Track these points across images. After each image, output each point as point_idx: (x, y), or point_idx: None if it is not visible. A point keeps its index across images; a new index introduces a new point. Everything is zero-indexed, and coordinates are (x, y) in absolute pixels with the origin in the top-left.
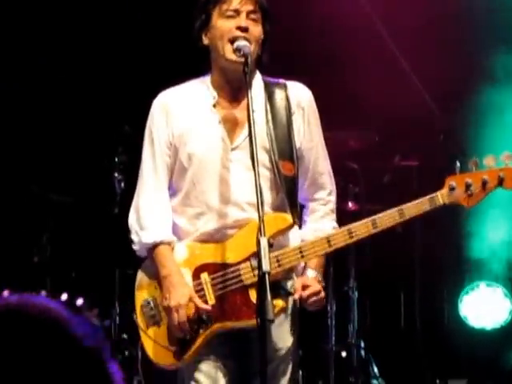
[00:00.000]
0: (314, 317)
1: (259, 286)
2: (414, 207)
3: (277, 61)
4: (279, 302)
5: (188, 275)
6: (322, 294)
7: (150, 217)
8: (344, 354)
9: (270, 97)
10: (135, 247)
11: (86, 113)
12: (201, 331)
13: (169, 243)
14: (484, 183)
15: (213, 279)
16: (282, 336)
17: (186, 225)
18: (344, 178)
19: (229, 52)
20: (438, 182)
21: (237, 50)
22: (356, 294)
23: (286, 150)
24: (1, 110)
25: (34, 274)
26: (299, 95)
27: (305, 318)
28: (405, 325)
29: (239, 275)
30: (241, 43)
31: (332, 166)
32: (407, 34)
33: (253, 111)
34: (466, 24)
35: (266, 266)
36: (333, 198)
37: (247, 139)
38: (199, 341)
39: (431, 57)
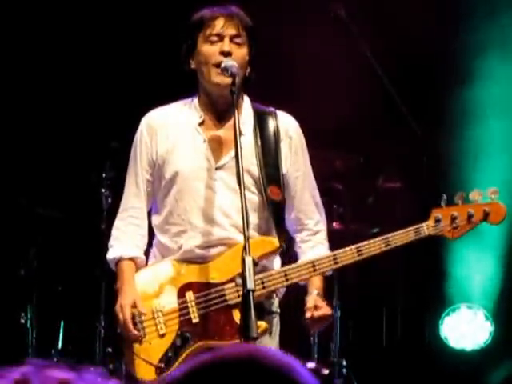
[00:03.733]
0: (296, 335)
1: (243, 303)
2: (400, 237)
3: (262, 86)
4: (262, 324)
5: (173, 293)
6: (331, 319)
7: (117, 234)
8: (326, 372)
9: (259, 122)
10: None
11: (74, 128)
12: (183, 349)
13: (130, 259)
14: (469, 216)
15: (197, 298)
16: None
17: (169, 242)
18: (329, 199)
19: (214, 75)
20: (420, 204)
21: (224, 70)
22: (339, 313)
23: (273, 175)
24: None
25: (20, 287)
26: (287, 124)
27: (287, 335)
28: (386, 344)
29: (224, 295)
30: (228, 63)
31: (318, 186)
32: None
33: (240, 133)
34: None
35: (250, 284)
36: (321, 227)
37: (232, 160)
38: (181, 358)
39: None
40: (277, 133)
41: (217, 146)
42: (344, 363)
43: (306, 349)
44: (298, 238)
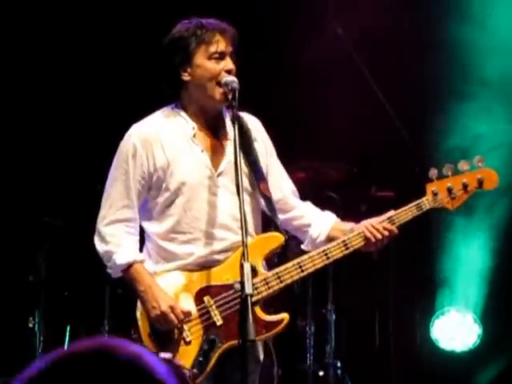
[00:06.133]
0: (292, 337)
1: (242, 307)
2: (403, 214)
3: (255, 95)
4: (286, 315)
5: (190, 300)
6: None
7: (117, 241)
8: (321, 373)
9: (237, 126)
10: (109, 270)
11: (78, 139)
12: (212, 352)
13: (141, 261)
14: (465, 186)
15: (216, 301)
16: (259, 349)
17: (178, 249)
18: (323, 207)
19: (217, 92)
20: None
21: (225, 85)
22: (333, 316)
23: (259, 172)
24: None
25: (29, 292)
26: (256, 125)
27: (284, 338)
28: (379, 346)
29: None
30: (229, 78)
31: (312, 195)
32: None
33: (228, 139)
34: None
35: (248, 289)
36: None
37: (228, 165)
38: (213, 361)
39: (405, 87)
40: (249, 133)
41: (212, 154)
42: (338, 364)
43: (301, 351)
44: (297, 207)
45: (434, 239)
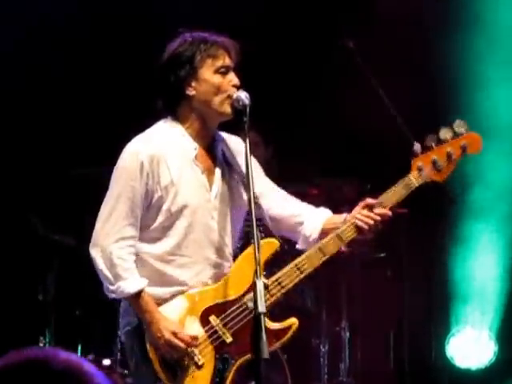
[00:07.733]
0: (306, 355)
1: (255, 326)
2: (393, 196)
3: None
4: (294, 320)
5: (196, 323)
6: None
7: (126, 266)
8: None
9: (225, 145)
10: (113, 295)
11: (89, 155)
12: (227, 370)
13: (144, 288)
14: (449, 156)
15: (222, 320)
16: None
17: (174, 272)
18: None
19: (226, 106)
20: (425, 230)
21: (236, 101)
22: (348, 334)
23: (244, 184)
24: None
25: (38, 312)
26: (235, 142)
27: (298, 356)
28: (394, 364)
29: (246, 308)
30: (241, 94)
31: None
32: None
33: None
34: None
35: (261, 308)
36: None
37: (219, 186)
38: (230, 378)
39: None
40: (232, 150)
41: (208, 176)
42: (353, 383)
43: (315, 369)
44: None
45: (448, 256)
